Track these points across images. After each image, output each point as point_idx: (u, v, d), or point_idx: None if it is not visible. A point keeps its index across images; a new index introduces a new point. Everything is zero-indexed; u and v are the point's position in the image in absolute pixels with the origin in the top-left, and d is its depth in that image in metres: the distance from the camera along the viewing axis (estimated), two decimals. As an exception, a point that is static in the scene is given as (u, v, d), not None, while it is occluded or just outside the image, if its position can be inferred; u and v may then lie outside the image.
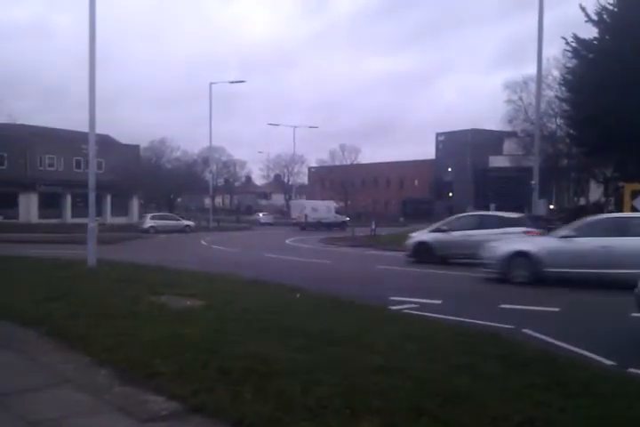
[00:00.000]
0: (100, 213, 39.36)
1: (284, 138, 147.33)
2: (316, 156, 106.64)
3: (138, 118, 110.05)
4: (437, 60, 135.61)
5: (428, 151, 70.55)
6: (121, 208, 51.28)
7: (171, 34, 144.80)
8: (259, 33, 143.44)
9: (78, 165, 46.69)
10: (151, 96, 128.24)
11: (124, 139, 54.55)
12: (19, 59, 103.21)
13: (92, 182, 14.08)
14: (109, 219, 47.08)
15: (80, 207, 39.13)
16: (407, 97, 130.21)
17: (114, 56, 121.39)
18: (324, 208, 47.97)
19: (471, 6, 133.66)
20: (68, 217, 46.40)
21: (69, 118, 71.66)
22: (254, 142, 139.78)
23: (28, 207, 45.11)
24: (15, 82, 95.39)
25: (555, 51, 43.87)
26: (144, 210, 57.26)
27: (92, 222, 14.26)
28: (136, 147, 53.56)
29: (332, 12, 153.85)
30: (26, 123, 47.73)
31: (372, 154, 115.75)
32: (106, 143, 43.96)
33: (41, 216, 44.75)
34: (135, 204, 53.59)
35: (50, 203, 46.42)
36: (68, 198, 47.20)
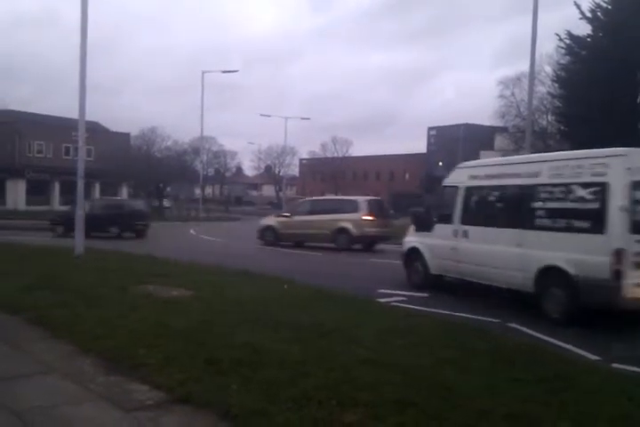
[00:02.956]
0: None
1: (276, 130, 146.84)
2: (308, 148, 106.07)
3: (134, 106, 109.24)
4: (437, 57, 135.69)
5: (423, 147, 70.32)
6: (110, 196, 50.90)
7: (176, 25, 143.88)
8: (262, 27, 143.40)
9: (67, 151, 46.24)
10: (149, 85, 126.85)
11: (119, 127, 53.93)
12: (21, 46, 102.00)
13: (81, 170, 13.92)
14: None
15: (68, 195, 38.80)
16: (406, 93, 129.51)
17: (116, 45, 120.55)
18: None
19: (474, 5, 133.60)
20: (56, 204, 45.94)
21: (67, 106, 71.04)
22: (247, 134, 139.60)
23: (16, 194, 44.64)
24: (16, 69, 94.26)
25: (550, 48, 43.75)
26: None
27: (80, 210, 14.13)
28: (126, 135, 52.99)
29: (336, 8, 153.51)
30: (15, 109, 47.21)
31: (367, 148, 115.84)
32: (95, 131, 43.50)
33: (28, 203, 44.32)
34: (124, 192, 53.19)
35: (38, 190, 45.99)
36: (57, 185, 46.80)
